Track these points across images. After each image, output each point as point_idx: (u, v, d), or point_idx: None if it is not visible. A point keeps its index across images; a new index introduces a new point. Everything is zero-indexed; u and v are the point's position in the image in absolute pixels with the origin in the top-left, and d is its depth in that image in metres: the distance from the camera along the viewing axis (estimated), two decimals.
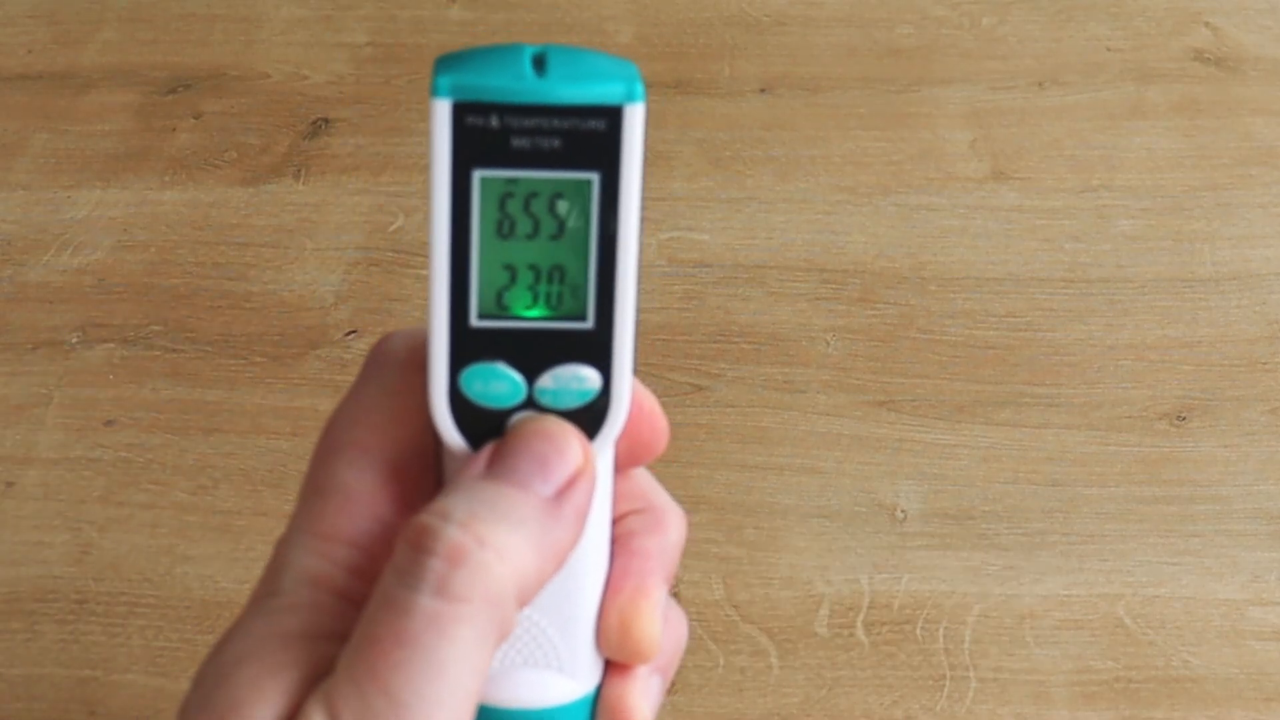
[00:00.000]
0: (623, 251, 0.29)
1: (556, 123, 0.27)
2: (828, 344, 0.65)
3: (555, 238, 0.29)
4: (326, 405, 0.62)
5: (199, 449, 0.61)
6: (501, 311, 0.29)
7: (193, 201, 0.73)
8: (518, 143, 0.28)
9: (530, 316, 0.29)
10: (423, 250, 0.70)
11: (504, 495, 0.28)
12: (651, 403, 0.32)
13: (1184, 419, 0.62)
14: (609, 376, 0.30)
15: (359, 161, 0.75)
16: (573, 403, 0.30)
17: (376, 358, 0.32)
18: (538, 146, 0.28)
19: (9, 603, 0.55)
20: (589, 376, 0.30)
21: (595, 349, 0.29)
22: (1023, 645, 0.54)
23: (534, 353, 0.29)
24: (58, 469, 0.60)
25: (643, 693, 0.33)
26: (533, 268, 0.29)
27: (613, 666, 0.33)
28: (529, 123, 0.27)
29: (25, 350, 0.65)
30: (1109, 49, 0.83)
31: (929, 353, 0.65)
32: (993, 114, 0.78)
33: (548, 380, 0.30)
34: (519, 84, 0.27)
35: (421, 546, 0.27)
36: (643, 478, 0.34)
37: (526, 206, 0.28)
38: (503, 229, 0.28)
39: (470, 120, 0.27)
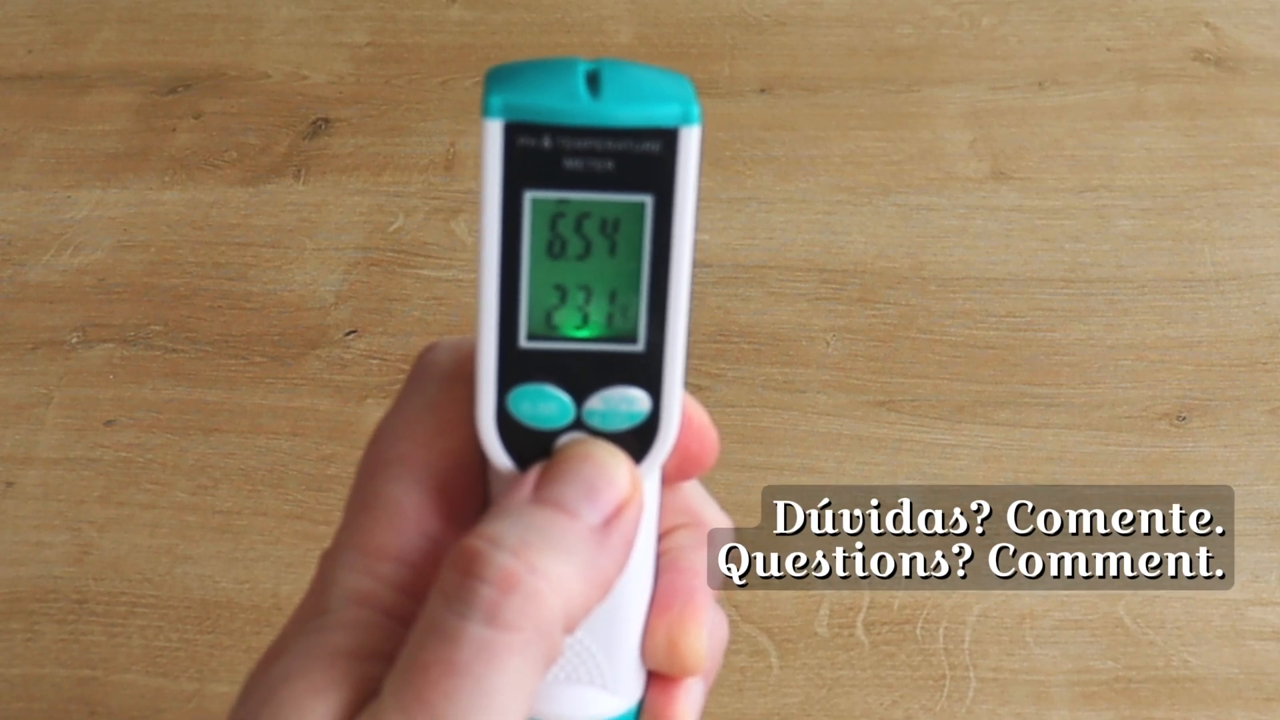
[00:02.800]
0: (675, 274, 0.28)
1: (610, 144, 0.27)
2: (828, 344, 0.65)
3: (607, 259, 0.28)
4: (326, 405, 0.63)
5: (199, 449, 0.61)
6: (551, 332, 0.29)
7: (193, 201, 0.73)
8: (570, 164, 0.27)
9: (580, 337, 0.29)
10: (422, 250, 0.70)
11: (554, 522, 0.28)
12: (702, 417, 0.31)
13: (1184, 419, 0.62)
14: (659, 399, 0.29)
15: (359, 161, 0.75)
16: (622, 424, 0.29)
17: (421, 369, 0.31)
18: (590, 168, 0.27)
19: (9, 603, 0.55)
20: (638, 398, 0.29)
21: (646, 371, 0.29)
22: (1023, 645, 0.54)
23: (583, 374, 0.29)
24: (58, 469, 0.60)
25: (687, 703, 0.33)
26: (583, 288, 0.28)
27: (656, 677, 0.33)
28: (582, 144, 0.27)
29: (25, 350, 0.65)
30: (1109, 49, 0.83)
31: (929, 353, 0.65)
32: (993, 114, 0.78)
33: (597, 402, 0.29)
34: (573, 105, 0.27)
35: (471, 572, 0.27)
36: (692, 490, 0.34)
37: (578, 227, 0.28)
38: (553, 249, 0.28)
39: (522, 141, 0.27)
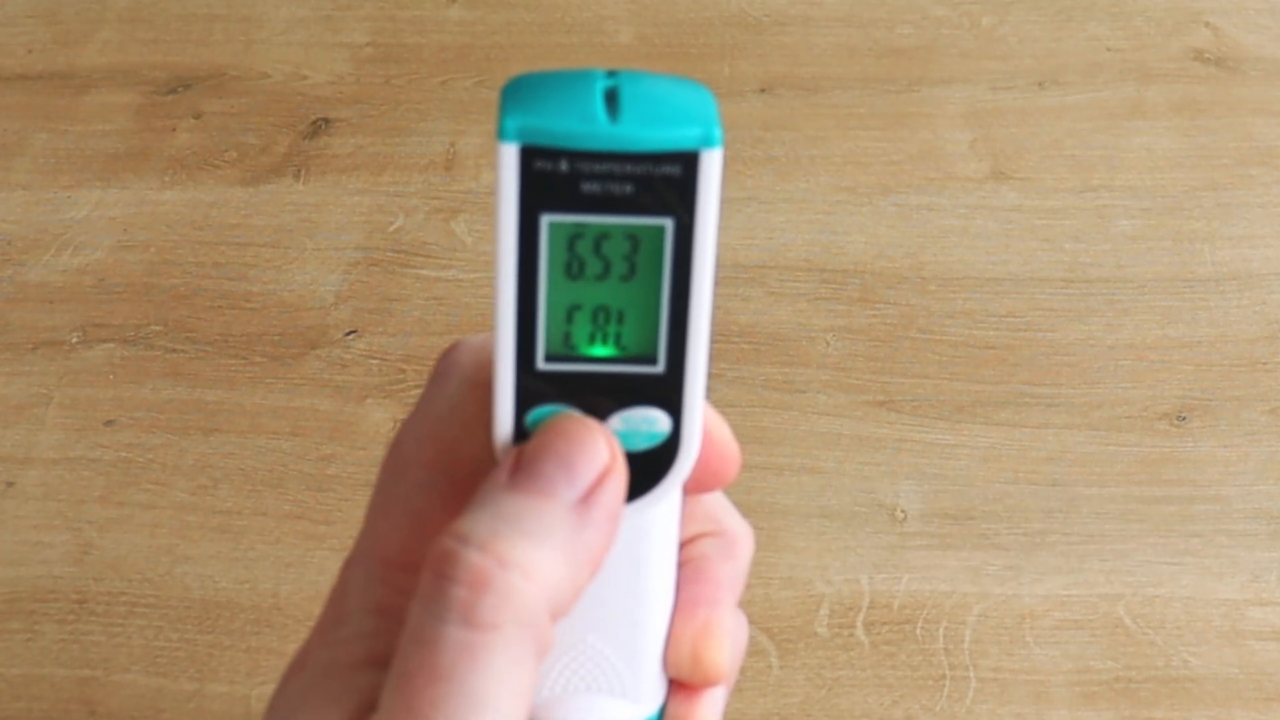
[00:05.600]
0: (696, 296, 0.28)
1: (630, 168, 0.26)
2: (828, 344, 0.65)
3: (626, 280, 0.28)
4: (326, 405, 0.63)
5: (199, 449, 0.61)
6: (569, 353, 0.28)
7: (193, 201, 0.73)
8: (588, 187, 0.26)
9: (598, 358, 0.28)
10: (422, 250, 0.70)
11: (528, 507, 0.27)
12: (724, 433, 0.31)
13: (1184, 419, 0.62)
14: (679, 419, 0.29)
15: (359, 161, 0.75)
16: (642, 444, 0.29)
17: (443, 371, 0.31)
18: (609, 191, 0.26)
19: (9, 603, 0.55)
20: (659, 419, 0.29)
21: (666, 392, 0.29)
22: (1023, 645, 0.54)
23: (602, 395, 0.29)
24: (58, 469, 0.60)
25: (709, 711, 0.32)
26: (602, 309, 0.28)
27: (678, 685, 0.32)
28: (600, 168, 0.26)
29: (25, 350, 0.65)
30: (1109, 49, 0.83)
31: (929, 353, 0.65)
32: (993, 114, 0.78)
33: (616, 422, 0.29)
34: (591, 128, 0.26)
35: (443, 574, 0.26)
36: (713, 498, 0.33)
37: (597, 248, 0.27)
38: (571, 270, 0.27)
39: (539, 165, 0.26)
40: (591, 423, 0.29)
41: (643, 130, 0.26)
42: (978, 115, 0.78)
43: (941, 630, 0.55)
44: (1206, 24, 0.84)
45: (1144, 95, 0.79)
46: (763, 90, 0.80)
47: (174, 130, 0.77)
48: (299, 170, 0.74)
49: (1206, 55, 0.82)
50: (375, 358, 0.65)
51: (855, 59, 0.82)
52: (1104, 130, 0.77)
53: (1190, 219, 0.72)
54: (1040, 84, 0.80)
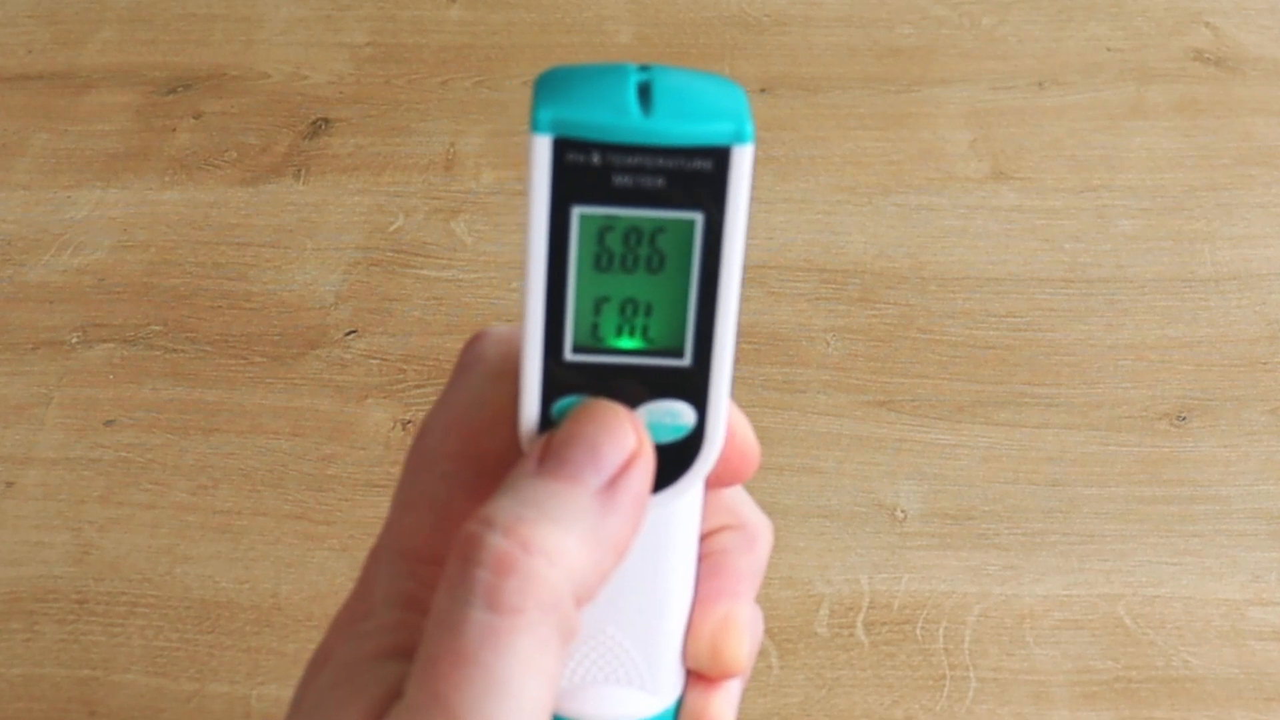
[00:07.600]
0: (724, 290, 0.28)
1: (661, 162, 0.26)
2: (828, 344, 0.65)
3: (655, 273, 0.28)
4: (326, 405, 0.63)
5: (199, 449, 0.61)
6: (597, 344, 0.28)
7: (193, 201, 0.73)
8: (620, 180, 0.27)
9: (625, 350, 0.29)
10: (422, 250, 0.70)
11: (554, 493, 0.27)
12: (745, 430, 0.31)
13: (1184, 419, 0.62)
14: (704, 413, 0.29)
15: (359, 161, 0.75)
16: (666, 438, 0.29)
17: (468, 362, 0.31)
18: (640, 185, 0.27)
19: (9, 603, 0.55)
20: (683, 412, 0.29)
21: (692, 385, 0.29)
22: (1023, 645, 0.54)
23: (628, 387, 0.29)
24: (58, 469, 0.60)
25: (727, 702, 0.33)
26: (630, 301, 0.28)
27: (696, 677, 0.33)
28: (632, 161, 0.26)
29: (25, 350, 0.65)
30: (1109, 49, 0.83)
31: (929, 353, 0.65)
32: (993, 114, 0.78)
33: (641, 414, 0.29)
34: (623, 122, 0.26)
35: (468, 558, 0.26)
36: (733, 492, 0.33)
37: (626, 240, 0.28)
38: (601, 262, 0.28)
39: (571, 157, 0.26)
40: (619, 408, 0.29)
41: (675, 124, 0.26)
42: (978, 115, 0.78)
43: (941, 630, 0.55)
44: (1206, 24, 0.84)
45: (1144, 95, 0.79)
46: (763, 90, 0.80)
47: (174, 130, 0.77)
48: (299, 170, 0.74)
49: (1206, 55, 0.82)
50: (375, 358, 0.65)
51: (855, 59, 0.82)
52: (1104, 130, 0.77)
53: (1190, 219, 0.72)
54: (1040, 84, 0.80)
